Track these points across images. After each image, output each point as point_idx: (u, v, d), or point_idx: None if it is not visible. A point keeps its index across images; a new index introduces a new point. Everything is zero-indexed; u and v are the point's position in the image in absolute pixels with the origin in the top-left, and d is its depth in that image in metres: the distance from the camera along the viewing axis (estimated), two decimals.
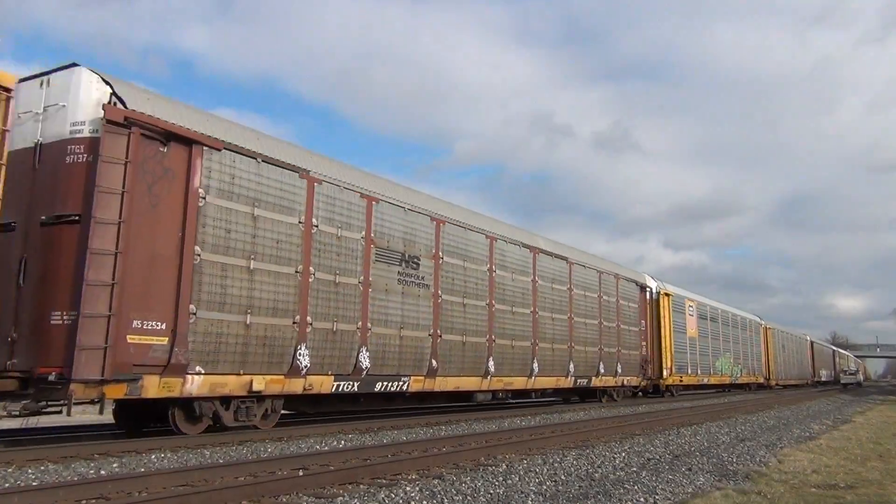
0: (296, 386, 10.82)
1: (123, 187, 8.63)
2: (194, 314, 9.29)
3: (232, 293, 9.83)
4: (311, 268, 11.10)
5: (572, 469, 7.97)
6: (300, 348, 10.77)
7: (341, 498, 5.99)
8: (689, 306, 28.88)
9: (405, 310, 13.04)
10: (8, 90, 8.06)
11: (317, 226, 11.32)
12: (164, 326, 8.96)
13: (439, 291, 13.99)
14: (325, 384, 11.32)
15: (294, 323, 10.71)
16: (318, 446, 9.77)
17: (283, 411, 12.67)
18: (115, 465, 7.69)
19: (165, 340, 8.97)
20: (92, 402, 8.47)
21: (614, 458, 9.01)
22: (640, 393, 25.86)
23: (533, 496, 6.42)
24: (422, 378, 13.39)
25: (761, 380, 40.55)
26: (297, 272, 10.86)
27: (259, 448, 9.32)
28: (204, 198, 9.58)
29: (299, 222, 11.02)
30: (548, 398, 21.72)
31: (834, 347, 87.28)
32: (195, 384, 9.31)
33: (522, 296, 16.93)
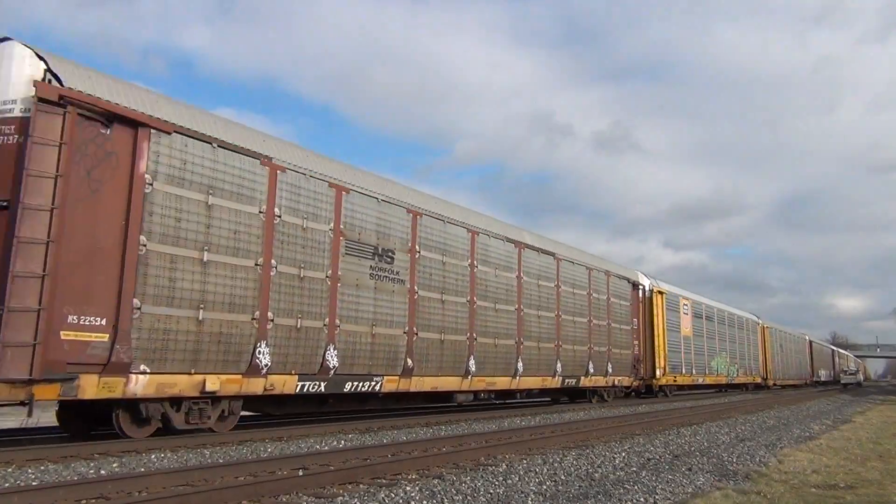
0: (255, 386, 10.17)
1: (58, 171, 7.97)
2: (139, 309, 8.63)
3: (182, 287, 9.17)
4: (272, 261, 10.45)
5: (572, 469, 7.93)
6: (260, 346, 10.12)
7: (341, 498, 5.98)
8: (684, 305, 28.20)
9: (378, 306, 12.38)
10: None
11: (279, 216, 10.66)
12: (103, 322, 8.30)
13: (416, 287, 13.33)
14: (288, 384, 10.66)
15: (253, 319, 10.05)
16: (318, 446, 9.69)
17: (249, 413, 12.08)
18: (114, 464, 7.63)
19: (105, 337, 8.31)
20: (21, 404, 7.80)
21: (614, 457, 8.95)
22: (634, 393, 25.21)
23: (533, 496, 6.40)
24: (396, 378, 12.73)
25: (759, 380, 39.87)
26: (257, 265, 10.20)
27: (259, 448, 9.27)
28: (151, 184, 8.92)
29: (260, 212, 10.36)
30: (534, 399, 21.04)
31: (833, 347, 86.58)
32: (140, 384, 8.66)
33: (506, 292, 16.27)
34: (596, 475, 7.68)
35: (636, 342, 23.30)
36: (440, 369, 13.82)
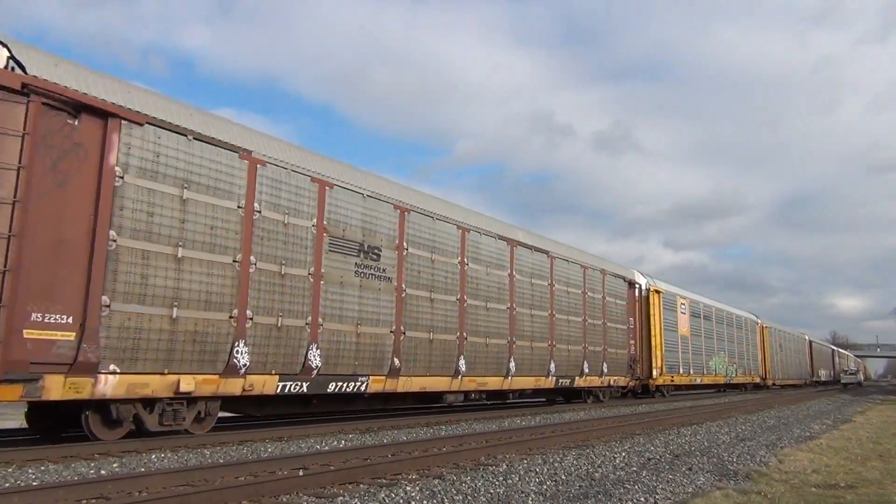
0: (233, 386, 9.84)
1: (20, 163, 7.64)
2: (108, 307, 8.30)
3: (155, 284, 8.84)
4: (251, 257, 10.12)
5: (572, 469, 7.91)
6: (238, 345, 9.79)
7: (342, 498, 5.96)
8: (681, 304, 27.87)
9: (363, 304, 12.05)
10: None
11: (259, 211, 10.33)
12: (70, 320, 7.97)
13: (403, 285, 13.00)
14: (268, 385, 10.34)
15: (231, 317, 9.72)
16: (319, 446, 9.66)
17: (230, 414, 11.76)
18: (115, 465, 7.60)
19: (72, 336, 7.98)
20: None
21: (614, 457, 8.92)
22: (630, 394, 24.87)
23: (533, 496, 6.39)
24: (382, 378, 12.40)
25: (757, 379, 39.52)
26: (235, 262, 9.87)
27: (259, 448, 9.25)
28: (121, 177, 8.59)
29: (238, 207, 10.03)
30: (527, 399, 20.70)
31: (833, 347, 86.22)
32: (109, 385, 8.32)
33: (498, 291, 15.94)
34: (596, 475, 7.64)
35: (632, 342, 22.97)
36: (429, 369, 13.49)
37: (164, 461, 7.95)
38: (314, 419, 13.77)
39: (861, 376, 77.08)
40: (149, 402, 9.10)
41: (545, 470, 7.71)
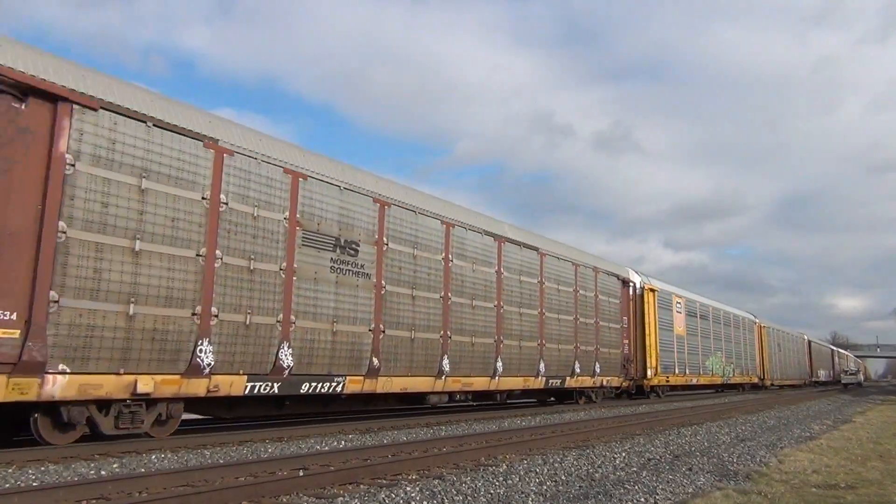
0: (197, 387, 9.33)
1: None
2: (56, 302, 7.80)
3: (110, 278, 8.34)
4: (217, 251, 9.62)
5: (573, 469, 7.92)
6: (202, 344, 9.29)
7: (342, 498, 5.96)
8: (677, 302, 27.37)
9: (339, 301, 11.55)
10: None
11: (226, 203, 9.83)
12: (13, 316, 7.46)
13: (383, 282, 12.50)
14: (235, 385, 9.84)
15: (194, 314, 9.23)
16: (319, 446, 9.67)
17: (199, 416, 11.26)
18: (115, 465, 7.61)
19: (16, 333, 7.48)
20: None
21: (615, 458, 8.93)
22: (625, 394, 24.37)
23: (533, 496, 6.40)
24: (360, 378, 11.90)
25: (755, 380, 39.01)
26: (199, 256, 9.38)
27: (259, 448, 9.26)
28: (73, 165, 8.09)
29: (203, 198, 9.54)
30: (516, 400, 20.18)
31: (833, 347, 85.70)
32: (58, 385, 7.82)
33: (485, 288, 15.44)
34: (596, 475, 7.64)
35: (626, 341, 22.47)
36: (410, 369, 12.99)
37: (165, 461, 7.97)
38: (314, 419, 13.58)
39: (861, 377, 76.50)
40: (104, 404, 8.60)
41: (545, 470, 7.68)
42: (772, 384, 42.74)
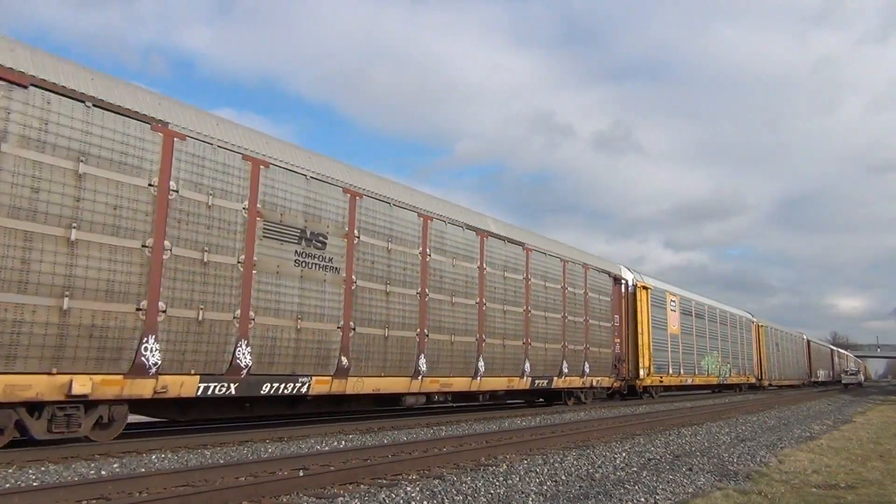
0: (142, 388, 8.67)
1: None
2: None
3: (40, 270, 7.68)
4: (166, 242, 8.96)
5: (573, 469, 7.92)
6: (147, 341, 8.63)
7: (342, 498, 5.96)
8: (671, 301, 26.70)
9: (305, 297, 10.89)
10: None
11: (176, 191, 9.18)
12: None
13: (354, 276, 11.84)
14: (186, 386, 9.17)
15: (139, 309, 8.57)
16: (319, 446, 9.67)
17: (154, 419, 10.60)
18: (115, 465, 7.61)
19: None
20: None
21: (615, 458, 8.93)
22: (618, 395, 23.71)
23: (533, 496, 6.39)
24: (328, 379, 11.23)
25: (753, 380, 38.32)
26: (144, 247, 8.72)
27: (259, 448, 9.25)
28: None
29: (150, 185, 8.88)
30: (499, 402, 19.49)
31: (833, 347, 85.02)
32: None
33: (466, 285, 14.77)
34: (596, 475, 7.65)
35: (618, 340, 21.80)
36: (384, 369, 12.33)
37: (165, 462, 7.96)
38: (314, 419, 13.38)
39: (861, 377, 75.84)
40: (35, 407, 7.94)
41: (545, 470, 7.68)
42: (770, 384, 42.06)
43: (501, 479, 7.06)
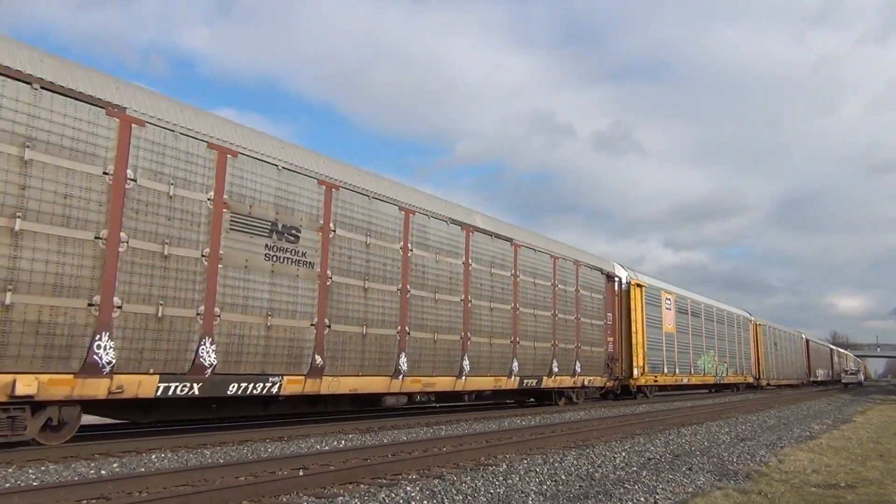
0: (95, 388, 8.18)
1: None
2: None
3: None
4: (122, 233, 8.47)
5: (573, 469, 7.90)
6: (100, 338, 8.13)
7: (342, 498, 5.96)
8: (667, 299, 26.19)
9: (276, 293, 10.40)
10: None
11: (134, 180, 8.68)
12: None
13: (329, 272, 11.34)
14: (144, 386, 8.68)
15: (91, 305, 8.07)
16: (319, 446, 9.68)
17: (112, 420, 10.11)
18: (115, 465, 7.60)
19: None
20: None
21: (615, 457, 8.92)
22: (611, 395, 23.21)
23: (533, 496, 6.39)
24: (301, 378, 10.74)
25: (750, 379, 37.81)
26: (98, 238, 8.22)
27: (259, 448, 9.24)
28: None
29: (104, 173, 8.38)
30: (486, 402, 18.97)
31: (832, 346, 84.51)
32: None
33: (450, 281, 14.28)
34: (596, 475, 7.66)
35: (611, 339, 21.30)
36: (361, 368, 11.83)
37: (165, 461, 7.95)
38: (314, 419, 13.25)
39: (861, 376, 75.36)
40: None
41: (545, 470, 7.66)
42: (768, 384, 41.55)
43: (501, 478, 7.03)
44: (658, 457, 9.24)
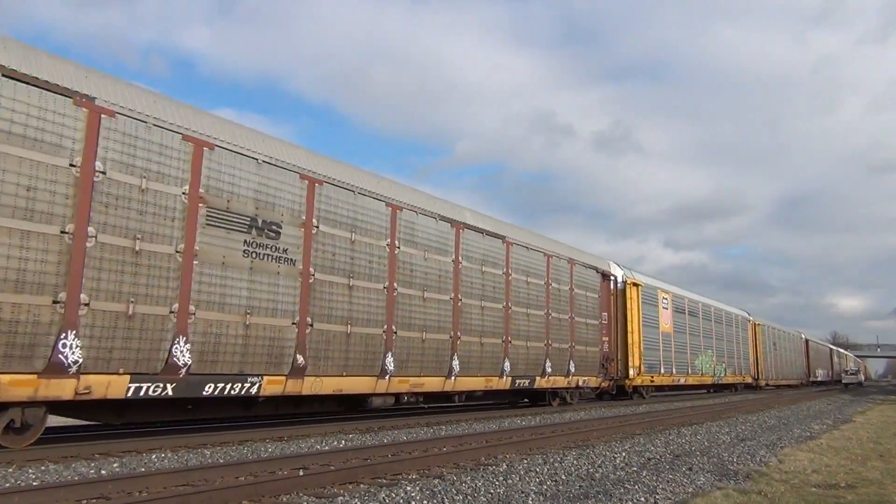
0: (61, 389, 7.85)
1: None
2: None
3: None
4: (89, 228, 8.14)
5: (573, 469, 7.90)
6: (66, 337, 7.81)
7: (342, 498, 5.96)
8: (663, 298, 25.87)
9: (255, 290, 10.07)
10: None
11: (103, 172, 8.36)
12: None
13: (311, 269, 11.02)
14: (114, 386, 8.35)
15: (56, 302, 7.74)
16: (319, 446, 9.68)
17: (84, 421, 9.78)
18: (115, 465, 7.60)
19: None
20: None
21: (615, 457, 8.91)
22: (608, 395, 22.88)
23: (533, 496, 6.38)
24: (282, 379, 10.41)
25: (749, 380, 37.49)
26: (64, 232, 7.90)
27: (259, 448, 9.24)
28: None
29: (71, 165, 8.06)
30: (478, 402, 18.62)
31: (832, 346, 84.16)
32: None
33: (439, 279, 13.95)
34: (596, 475, 7.65)
35: (606, 339, 20.97)
36: (346, 368, 11.50)
37: (165, 461, 7.94)
38: (314, 419, 13.19)
39: (861, 376, 75.01)
40: None
41: (545, 470, 7.67)
42: (766, 384, 41.22)
43: (501, 478, 7.03)
44: (658, 457, 9.21)
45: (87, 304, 8.03)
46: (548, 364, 17.39)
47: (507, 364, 15.74)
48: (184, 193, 9.25)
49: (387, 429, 12.09)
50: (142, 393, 8.64)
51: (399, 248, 12.94)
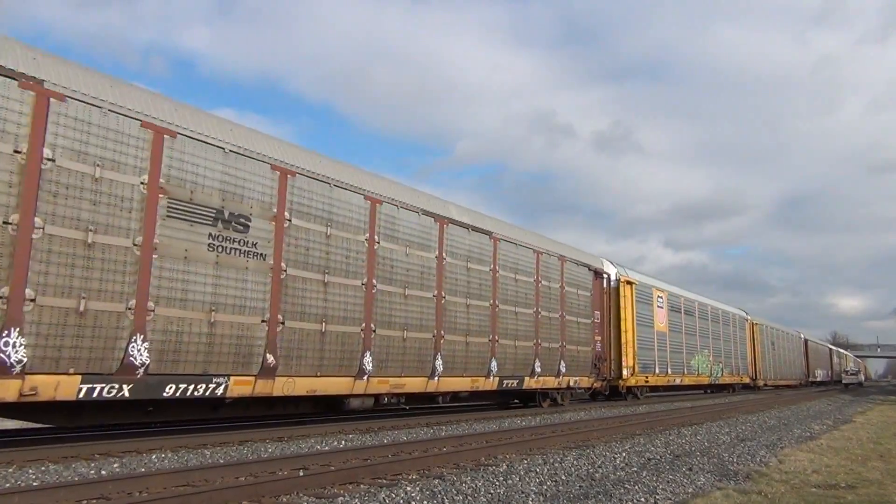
0: (4, 390, 7.34)
1: None
2: None
3: None
4: (36, 219, 7.65)
5: (573, 469, 7.90)
6: (8, 335, 7.31)
7: (342, 498, 5.95)
8: (658, 297, 25.36)
9: (221, 286, 9.57)
10: None
11: (52, 160, 7.86)
12: None
13: (283, 264, 10.52)
14: (63, 387, 7.84)
15: None
16: (319, 446, 9.69)
17: (38, 424, 9.28)
18: (115, 465, 7.61)
19: None
20: None
21: (615, 458, 8.90)
22: (601, 396, 22.38)
23: (533, 496, 6.38)
24: (251, 379, 9.91)
25: (747, 380, 36.96)
26: (6, 223, 7.40)
27: (260, 448, 9.25)
28: None
29: (16, 152, 7.57)
30: (465, 402, 18.09)
31: (832, 346, 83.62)
32: None
33: (421, 276, 13.45)
34: (596, 475, 7.65)
35: (598, 338, 20.47)
36: (320, 368, 11.00)
37: (165, 461, 7.95)
38: (314, 419, 13.11)
39: (861, 376, 74.47)
40: None
41: (545, 470, 7.67)
42: (765, 384, 40.70)
43: (501, 478, 7.03)
44: (658, 457, 9.20)
45: (32, 300, 7.53)
46: (537, 364, 16.89)
47: (494, 364, 15.24)
48: (142, 183, 8.75)
49: (387, 429, 12.01)
50: (95, 394, 8.13)
51: (379, 243, 12.44)
